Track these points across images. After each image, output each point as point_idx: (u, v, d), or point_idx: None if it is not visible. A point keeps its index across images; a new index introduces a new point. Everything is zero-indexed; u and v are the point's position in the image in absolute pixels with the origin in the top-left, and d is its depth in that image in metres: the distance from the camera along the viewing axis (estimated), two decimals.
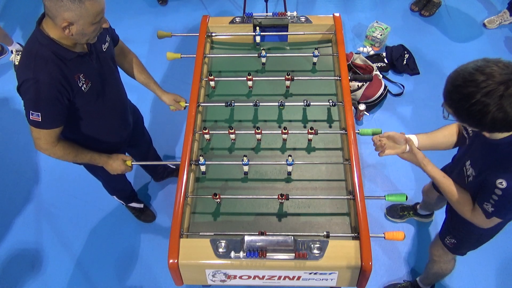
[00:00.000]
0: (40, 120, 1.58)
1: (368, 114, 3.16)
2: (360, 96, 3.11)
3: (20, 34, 3.79)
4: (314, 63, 2.30)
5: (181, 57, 2.31)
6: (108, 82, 1.82)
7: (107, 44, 1.79)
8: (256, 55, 2.24)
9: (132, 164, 1.99)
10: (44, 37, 1.55)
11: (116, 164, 1.93)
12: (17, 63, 3.46)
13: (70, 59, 1.60)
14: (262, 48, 2.33)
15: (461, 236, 1.92)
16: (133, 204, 2.65)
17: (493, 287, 2.42)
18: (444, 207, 2.12)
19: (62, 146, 1.74)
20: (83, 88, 1.66)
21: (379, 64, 3.41)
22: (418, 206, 2.61)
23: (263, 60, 2.27)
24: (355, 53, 3.29)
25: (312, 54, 2.22)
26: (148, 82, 2.11)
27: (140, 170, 2.86)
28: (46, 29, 1.56)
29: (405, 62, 3.41)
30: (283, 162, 1.88)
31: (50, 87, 1.55)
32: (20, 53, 3.45)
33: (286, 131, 1.93)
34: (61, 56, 1.58)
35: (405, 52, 3.45)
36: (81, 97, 1.68)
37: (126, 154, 2.14)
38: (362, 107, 3.06)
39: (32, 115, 1.57)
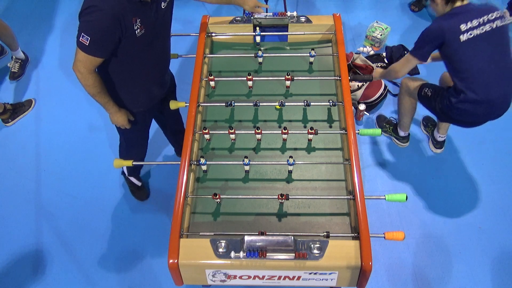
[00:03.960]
0: (87, 44, 1.72)
1: (368, 114, 3.16)
2: (360, 96, 3.11)
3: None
4: (311, 63, 2.30)
5: (178, 57, 2.31)
6: (158, 38, 1.97)
7: (166, 3, 1.94)
8: (253, 55, 2.25)
9: (133, 164, 2.01)
10: None
11: (122, 119, 2.12)
12: (14, 69, 3.44)
13: (134, 1, 1.75)
14: (258, 48, 2.33)
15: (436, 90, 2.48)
16: (133, 179, 2.72)
17: (492, 286, 2.42)
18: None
19: (95, 78, 1.89)
20: (136, 32, 1.81)
21: (379, 64, 3.40)
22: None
23: (260, 60, 2.27)
24: (355, 53, 3.29)
25: (309, 54, 2.22)
26: None
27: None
28: None
29: None
30: (283, 162, 1.88)
31: (108, 17, 1.69)
32: (20, 61, 3.45)
33: (286, 131, 1.93)
34: None
35: (405, 52, 3.45)
36: (132, 40, 1.82)
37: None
38: (362, 107, 3.06)
39: (82, 37, 1.72)
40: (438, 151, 2.94)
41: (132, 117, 2.19)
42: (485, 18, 2.13)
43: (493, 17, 2.15)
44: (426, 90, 2.51)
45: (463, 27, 2.12)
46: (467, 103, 2.25)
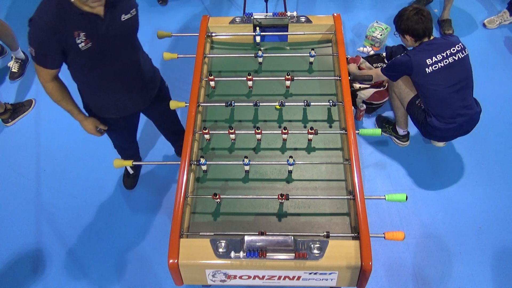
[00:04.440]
0: (34, 55, 1.76)
1: (369, 114, 3.16)
2: (367, 98, 3.09)
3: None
4: (311, 63, 2.30)
5: (177, 57, 2.31)
6: (116, 51, 1.89)
7: (129, 16, 1.89)
8: (253, 55, 2.24)
9: (133, 164, 2.01)
10: None
11: (89, 127, 2.14)
12: (14, 69, 3.44)
13: (73, 13, 1.70)
14: (258, 48, 2.33)
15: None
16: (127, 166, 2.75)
17: (492, 286, 2.42)
18: None
19: (53, 86, 1.90)
20: (80, 46, 1.76)
21: (379, 65, 3.40)
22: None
23: (260, 60, 2.27)
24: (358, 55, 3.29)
25: (309, 54, 2.22)
26: None
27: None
28: None
29: None
30: (284, 162, 1.88)
31: (41, 31, 1.70)
32: (20, 61, 3.45)
33: (286, 131, 1.93)
34: (65, 9, 1.69)
35: (405, 52, 3.44)
36: (77, 54, 1.78)
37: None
38: (362, 107, 3.05)
39: (29, 48, 1.75)
40: (441, 144, 2.95)
41: (103, 126, 2.18)
42: (448, 52, 2.42)
43: (455, 50, 2.43)
44: (418, 103, 2.63)
45: (428, 61, 2.41)
46: (438, 123, 2.54)
